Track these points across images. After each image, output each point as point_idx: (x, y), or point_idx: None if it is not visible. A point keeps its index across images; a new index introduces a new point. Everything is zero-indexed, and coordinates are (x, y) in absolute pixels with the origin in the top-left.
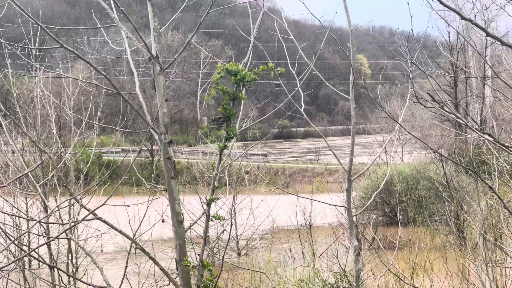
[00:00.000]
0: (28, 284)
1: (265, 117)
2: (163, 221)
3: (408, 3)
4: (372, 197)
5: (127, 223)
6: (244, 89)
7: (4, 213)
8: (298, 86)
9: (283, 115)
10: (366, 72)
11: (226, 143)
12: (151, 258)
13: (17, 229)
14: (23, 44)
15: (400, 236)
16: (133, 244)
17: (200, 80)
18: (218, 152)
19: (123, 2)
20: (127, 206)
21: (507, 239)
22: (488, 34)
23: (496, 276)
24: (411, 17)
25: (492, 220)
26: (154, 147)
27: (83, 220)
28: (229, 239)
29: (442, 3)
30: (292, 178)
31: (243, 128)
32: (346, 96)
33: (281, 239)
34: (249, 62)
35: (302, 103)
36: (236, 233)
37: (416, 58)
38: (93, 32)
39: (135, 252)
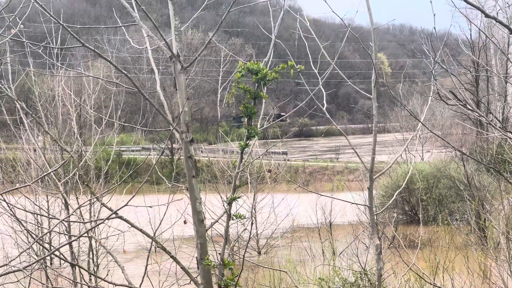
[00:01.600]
0: (51, 283)
1: (285, 116)
2: (185, 222)
3: (431, 1)
4: (394, 196)
5: (147, 222)
6: (265, 88)
7: (26, 211)
8: (320, 84)
9: (304, 113)
10: (386, 70)
11: (247, 142)
12: (172, 257)
13: (39, 227)
14: (45, 43)
15: (421, 235)
16: (154, 242)
17: (220, 78)
18: (239, 150)
19: (143, 0)
20: (149, 207)
21: None
22: None
23: None
24: (434, 15)
25: None
26: (174, 145)
27: (106, 219)
28: (249, 238)
29: (466, 1)
30: (312, 176)
31: (264, 126)
32: (367, 94)
33: (301, 238)
34: (270, 61)
35: (325, 101)
36: (257, 231)
37: (438, 56)
38: (113, 30)
39: (155, 251)
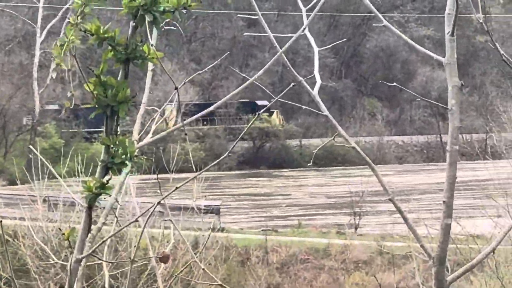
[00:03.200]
0: None
1: (210, 109)
2: None
3: None
4: None
5: None
6: (156, 32)
7: None
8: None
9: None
10: None
11: (105, 181)
12: None
13: None
14: None
15: None
16: None
17: (38, 27)
18: (83, 203)
19: None
20: None
21: None
22: None
23: None
24: None
25: None
26: None
27: None
28: None
29: None
30: (285, 271)
31: (153, 138)
32: (430, 54)
33: None
34: None
35: (316, 71)
36: None
37: None
38: None
39: None
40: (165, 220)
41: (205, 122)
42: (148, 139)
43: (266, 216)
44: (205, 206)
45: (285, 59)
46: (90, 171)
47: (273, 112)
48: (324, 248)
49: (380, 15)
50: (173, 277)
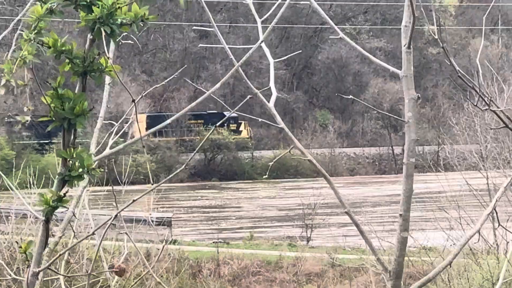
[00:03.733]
0: None
1: (171, 119)
2: None
3: None
4: None
5: None
6: (114, 44)
7: None
8: (261, 39)
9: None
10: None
11: (62, 194)
12: None
13: None
14: None
15: None
16: None
17: None
18: (39, 216)
19: None
20: None
21: None
22: None
23: None
24: None
25: None
26: None
27: None
28: None
29: None
30: (236, 284)
31: (112, 151)
32: (384, 65)
33: None
34: None
35: (272, 83)
36: None
37: None
38: None
39: None
40: (121, 232)
41: (156, 135)
42: (107, 151)
43: (218, 229)
44: (157, 218)
45: (241, 71)
46: (42, 183)
47: (240, 123)
48: (275, 261)
49: (336, 28)
50: None
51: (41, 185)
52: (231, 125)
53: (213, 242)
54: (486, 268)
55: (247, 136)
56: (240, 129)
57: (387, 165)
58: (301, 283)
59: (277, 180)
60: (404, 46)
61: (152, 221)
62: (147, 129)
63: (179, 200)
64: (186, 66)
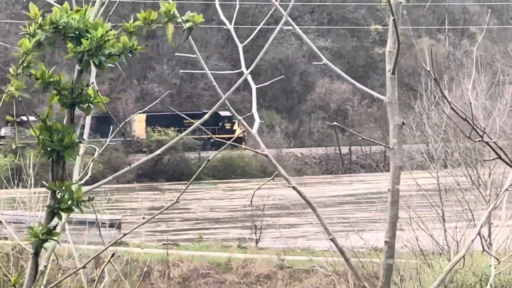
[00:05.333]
0: None
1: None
2: None
3: None
4: None
5: None
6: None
7: None
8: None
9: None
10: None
11: (52, 227)
12: None
13: None
14: None
15: None
16: None
17: None
18: (30, 250)
19: None
20: None
21: None
22: None
23: None
24: None
25: None
26: None
27: None
28: None
29: None
30: (186, 286)
31: (103, 182)
32: (369, 92)
33: None
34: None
35: (255, 109)
36: None
37: None
38: None
39: None
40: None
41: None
42: (97, 183)
43: (166, 230)
44: (108, 220)
45: (227, 103)
46: None
47: (234, 122)
48: (225, 262)
49: (320, 54)
50: None
51: None
52: (225, 124)
53: (163, 244)
54: (438, 270)
55: (241, 135)
56: (234, 128)
57: (334, 165)
58: (250, 285)
59: (224, 180)
60: (389, 71)
61: (104, 223)
62: (146, 128)
63: (126, 202)
64: (128, 65)
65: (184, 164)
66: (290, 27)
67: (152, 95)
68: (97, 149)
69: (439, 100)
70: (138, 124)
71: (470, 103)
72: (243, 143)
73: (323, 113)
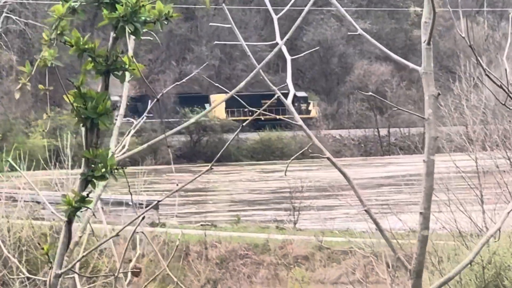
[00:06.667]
0: None
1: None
2: None
3: None
4: None
5: None
6: (132, 41)
7: None
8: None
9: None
10: None
11: (86, 194)
12: None
13: None
14: None
15: None
16: None
17: None
18: (63, 217)
19: None
20: None
21: None
22: None
23: None
24: None
25: None
26: None
27: None
28: None
29: None
30: (224, 267)
31: (135, 150)
32: (403, 62)
33: None
34: None
35: (289, 80)
36: None
37: None
38: None
39: None
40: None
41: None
42: (132, 151)
43: (204, 212)
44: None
45: (262, 72)
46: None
47: (309, 103)
48: (263, 244)
49: (356, 25)
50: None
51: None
52: (301, 104)
53: (200, 225)
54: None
55: (316, 116)
56: (309, 108)
57: (373, 147)
58: (289, 266)
59: (263, 161)
60: (424, 42)
61: (141, 204)
62: (226, 109)
63: (164, 183)
64: (167, 47)
65: (223, 145)
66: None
67: (190, 77)
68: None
69: (478, 83)
70: (219, 106)
71: (506, 70)
72: (318, 124)
73: (362, 94)
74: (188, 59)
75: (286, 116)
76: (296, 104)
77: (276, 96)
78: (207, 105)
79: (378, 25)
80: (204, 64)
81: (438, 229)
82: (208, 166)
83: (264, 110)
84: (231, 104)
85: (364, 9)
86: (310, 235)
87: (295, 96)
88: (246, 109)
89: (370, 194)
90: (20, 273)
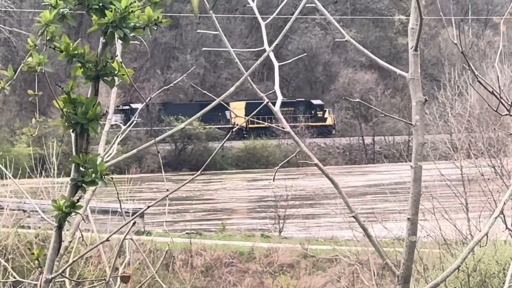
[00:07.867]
0: None
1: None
2: None
3: None
4: None
5: None
6: (121, 45)
7: None
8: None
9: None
10: None
11: (76, 199)
12: None
13: None
14: None
15: None
16: None
17: None
18: (52, 223)
19: None
20: None
21: None
22: None
23: None
24: None
25: None
26: None
27: None
28: None
29: None
30: (209, 274)
31: (125, 155)
32: (391, 69)
33: None
34: None
35: (277, 87)
36: None
37: None
38: None
39: None
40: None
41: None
42: (122, 156)
43: (189, 220)
44: (133, 209)
45: (249, 79)
46: (11, 174)
47: (325, 111)
48: (248, 252)
49: (343, 31)
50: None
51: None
52: (317, 112)
53: (186, 233)
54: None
55: (332, 123)
56: (325, 116)
57: (357, 155)
58: (274, 274)
59: (248, 170)
60: (411, 48)
61: (127, 212)
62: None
63: (148, 191)
64: (151, 55)
65: (208, 154)
66: (315, 15)
67: (175, 85)
68: (122, 127)
69: (463, 90)
70: (238, 112)
71: (498, 77)
72: (333, 131)
73: (347, 103)
74: (172, 68)
75: (310, 124)
76: (312, 112)
77: (263, 104)
78: (227, 113)
79: (363, 33)
80: (189, 71)
81: (423, 237)
82: (192, 174)
83: (252, 117)
84: (251, 110)
85: (349, 17)
86: (295, 243)
87: (311, 104)
88: (265, 116)
89: (355, 202)
90: (10, 277)
